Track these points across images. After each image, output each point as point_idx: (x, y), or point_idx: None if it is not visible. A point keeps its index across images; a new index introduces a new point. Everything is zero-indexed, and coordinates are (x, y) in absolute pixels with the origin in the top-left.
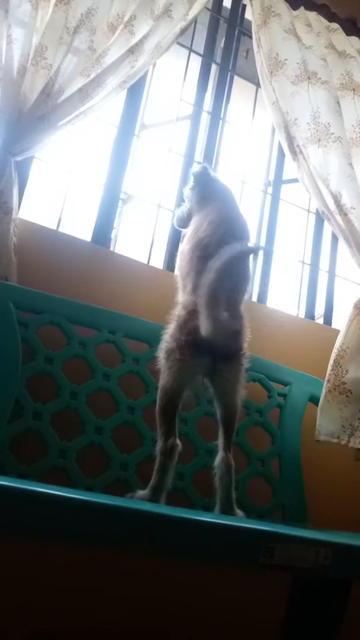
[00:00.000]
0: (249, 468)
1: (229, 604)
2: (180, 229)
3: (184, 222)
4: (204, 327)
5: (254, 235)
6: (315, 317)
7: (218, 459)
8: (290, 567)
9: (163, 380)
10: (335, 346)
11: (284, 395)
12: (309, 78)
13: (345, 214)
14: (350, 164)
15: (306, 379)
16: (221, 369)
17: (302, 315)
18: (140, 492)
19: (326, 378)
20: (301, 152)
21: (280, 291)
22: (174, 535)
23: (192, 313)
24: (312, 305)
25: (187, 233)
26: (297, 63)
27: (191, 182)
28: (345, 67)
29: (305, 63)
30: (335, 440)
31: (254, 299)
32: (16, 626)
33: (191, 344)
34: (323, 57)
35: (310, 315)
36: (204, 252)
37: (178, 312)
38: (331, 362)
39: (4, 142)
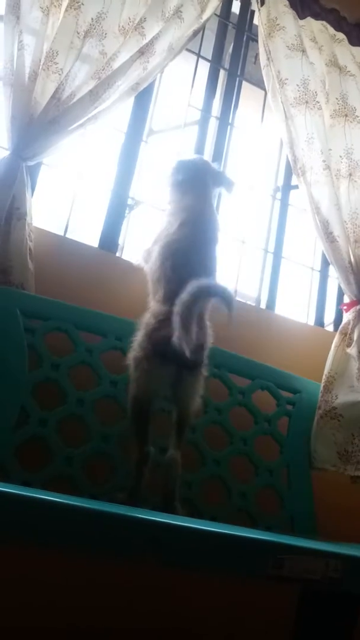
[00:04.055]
0: (258, 478)
1: (237, 615)
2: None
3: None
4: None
5: (264, 241)
6: (325, 325)
7: (167, 456)
8: (299, 579)
9: (133, 390)
10: (324, 373)
11: (293, 404)
12: (306, 102)
13: (332, 242)
14: (336, 194)
15: (315, 387)
16: (183, 378)
17: (311, 322)
18: (119, 495)
19: (317, 405)
20: (303, 174)
21: (289, 298)
22: (181, 545)
23: (161, 322)
24: (321, 312)
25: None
26: (297, 85)
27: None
28: (341, 89)
29: (305, 84)
30: (333, 469)
31: (263, 305)
32: None
33: (158, 353)
34: (323, 77)
35: (319, 322)
36: (176, 261)
37: (147, 319)
38: (321, 389)
39: (16, 147)
